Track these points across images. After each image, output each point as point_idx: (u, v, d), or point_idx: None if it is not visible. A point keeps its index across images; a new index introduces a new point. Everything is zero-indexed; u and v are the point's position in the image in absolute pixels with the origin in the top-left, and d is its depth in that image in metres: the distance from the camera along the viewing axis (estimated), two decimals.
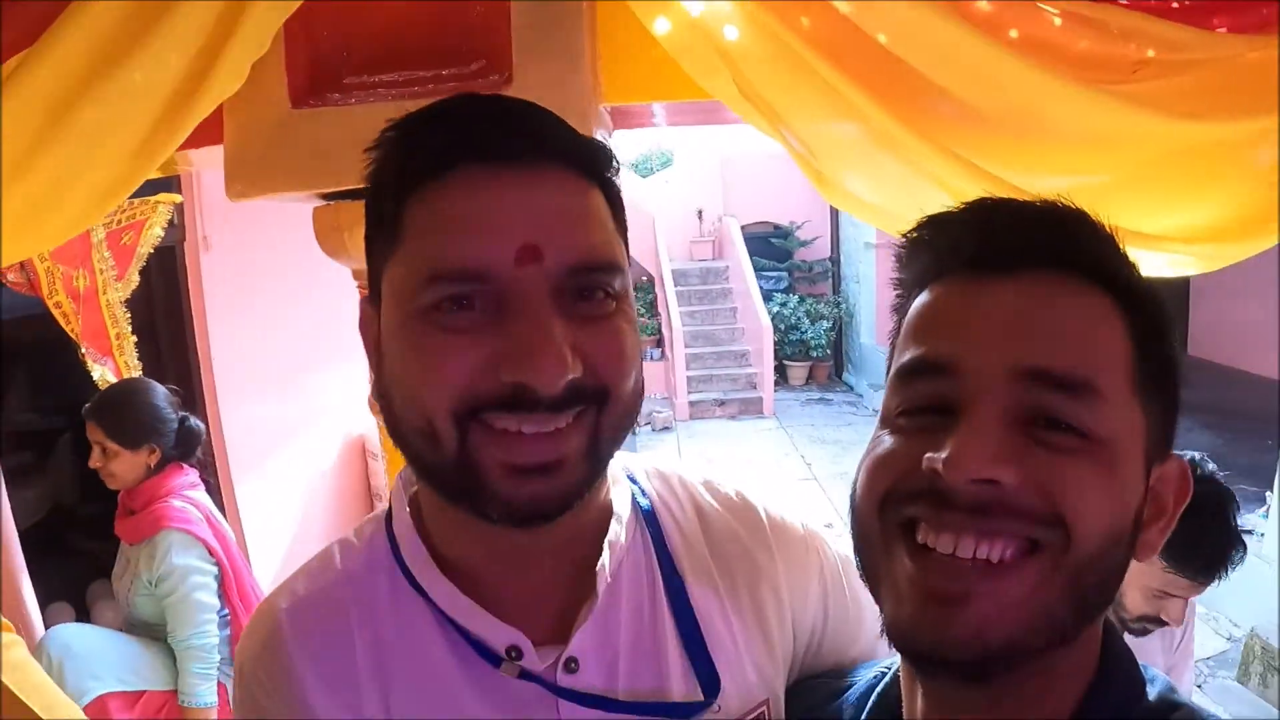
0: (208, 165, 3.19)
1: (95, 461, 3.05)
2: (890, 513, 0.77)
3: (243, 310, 4.55)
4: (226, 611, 3.12)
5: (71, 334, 3.31)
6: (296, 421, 5.23)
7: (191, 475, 3.21)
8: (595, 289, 0.84)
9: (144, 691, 2.99)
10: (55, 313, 3.25)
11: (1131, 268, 0.78)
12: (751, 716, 1.00)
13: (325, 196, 1.82)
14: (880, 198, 1.72)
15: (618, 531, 0.98)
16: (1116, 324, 0.75)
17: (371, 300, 0.93)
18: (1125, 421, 0.74)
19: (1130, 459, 0.74)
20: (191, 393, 4.31)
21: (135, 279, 3.51)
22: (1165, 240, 1.59)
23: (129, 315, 3.48)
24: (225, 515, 4.42)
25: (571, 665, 0.93)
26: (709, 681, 0.97)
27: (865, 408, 12.97)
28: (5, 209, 1.76)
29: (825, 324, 14.53)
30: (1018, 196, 1.25)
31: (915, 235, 0.83)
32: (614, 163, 0.92)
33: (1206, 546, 2.06)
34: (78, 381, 3.74)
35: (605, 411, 0.85)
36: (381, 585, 0.98)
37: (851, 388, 14.47)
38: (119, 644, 3.07)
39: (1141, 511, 0.77)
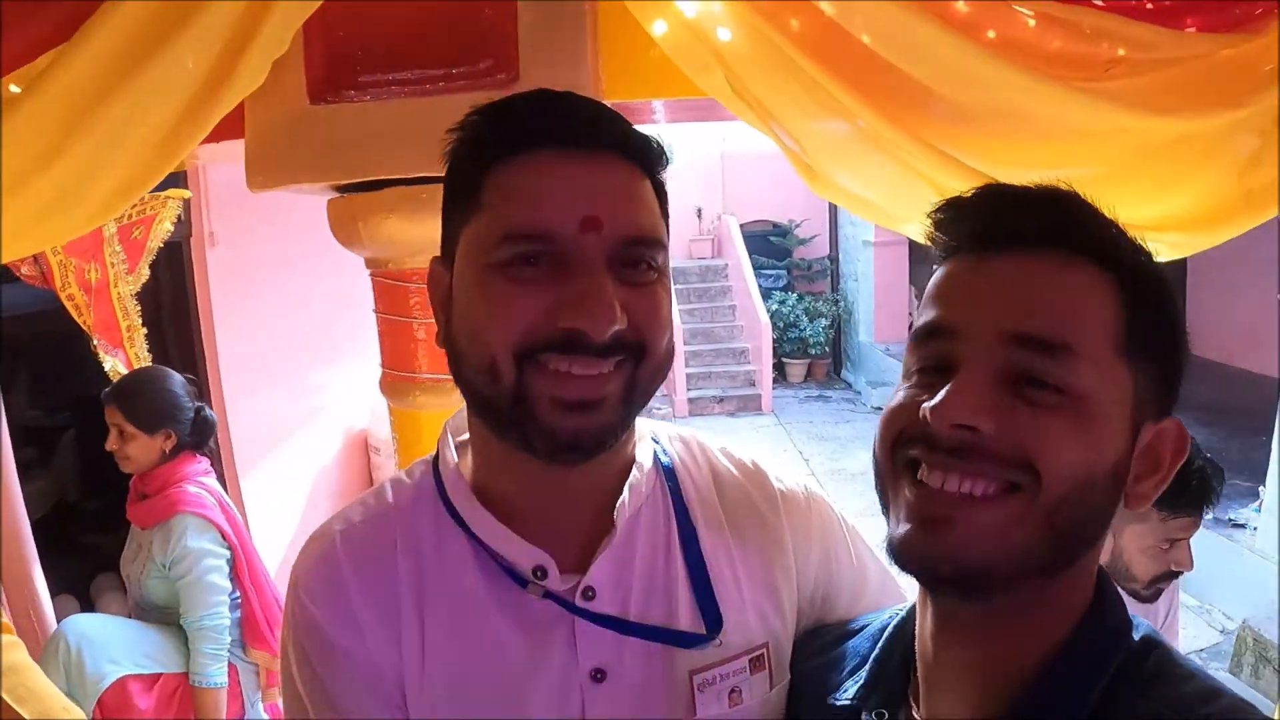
0: (214, 160, 3.27)
1: (112, 444, 3.13)
2: (899, 453, 0.90)
3: (248, 305, 4.63)
4: (237, 594, 3.21)
5: (84, 325, 3.39)
6: (300, 416, 5.32)
7: (204, 463, 3.30)
8: (641, 260, 0.99)
9: (160, 674, 3.08)
10: (68, 305, 3.32)
11: (1123, 242, 0.88)
12: (751, 656, 1.12)
13: (340, 188, 1.91)
14: (868, 191, 1.80)
15: (639, 478, 1.11)
16: (1103, 293, 0.85)
17: (443, 260, 1.07)
18: (1105, 380, 0.83)
19: (1110, 414, 0.84)
20: (197, 386, 4.38)
21: (145, 273, 3.58)
22: (1138, 229, 1.68)
23: (139, 308, 3.56)
24: None
25: (589, 593, 1.06)
26: (712, 619, 1.09)
27: (863, 405, 13.00)
28: (33, 201, 1.84)
29: (824, 322, 14.55)
30: None
31: (937, 217, 0.93)
32: (665, 161, 1.07)
33: (1192, 479, 2.28)
34: (81, 378, 3.82)
35: (641, 364, 0.99)
36: (425, 515, 1.11)
37: (850, 385, 14.50)
38: (134, 629, 3.16)
39: (1126, 462, 0.86)
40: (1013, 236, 0.87)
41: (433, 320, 1.89)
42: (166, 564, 3.08)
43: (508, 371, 0.95)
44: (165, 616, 3.18)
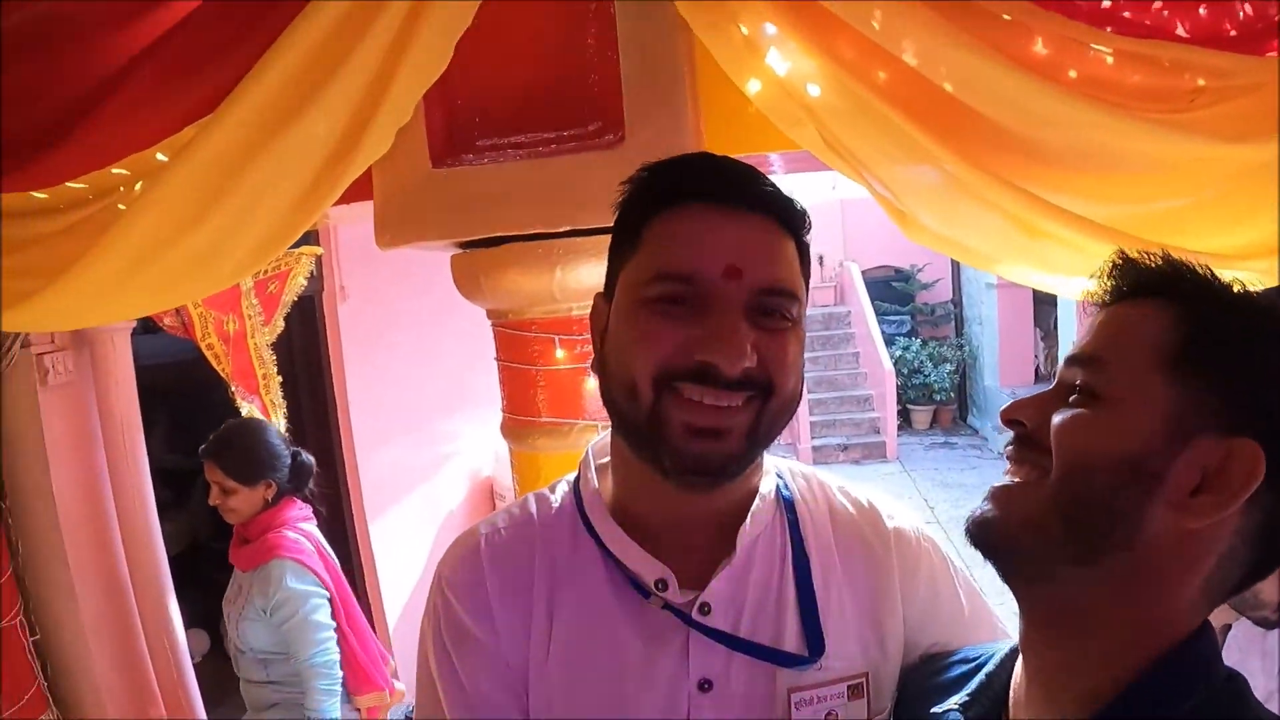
0: (345, 220, 3.46)
1: (215, 499, 3.24)
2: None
3: (377, 356, 4.81)
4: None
5: (222, 373, 3.57)
6: (428, 463, 5.47)
7: (305, 509, 3.39)
8: (776, 310, 1.12)
9: None
10: (207, 354, 3.51)
11: (1191, 283, 1.01)
12: (850, 683, 1.21)
13: (462, 245, 2.06)
14: (958, 234, 1.86)
15: (761, 508, 1.23)
16: (1154, 322, 0.98)
17: (605, 296, 1.22)
18: (1132, 386, 0.96)
19: (1131, 413, 0.95)
20: (328, 434, 4.59)
21: (280, 324, 3.76)
22: (1226, 259, 1.68)
23: (274, 358, 3.73)
24: (359, 551, 4.61)
25: (705, 608, 1.17)
26: (815, 643, 1.19)
27: (990, 451, 12.75)
28: (179, 259, 2.01)
29: (948, 367, 14.37)
30: (1084, 226, 1.60)
31: (1098, 278, 1.09)
32: (808, 225, 1.20)
33: None
34: (216, 424, 4.02)
35: (769, 402, 1.12)
36: (563, 526, 1.26)
37: (976, 431, 14.25)
38: None
39: (1152, 463, 0.94)
40: (1118, 293, 1.05)
41: (551, 368, 2.04)
42: (268, 609, 3.16)
43: (646, 394, 1.09)
44: (262, 660, 3.25)
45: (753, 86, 1.72)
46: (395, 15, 1.70)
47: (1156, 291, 1.00)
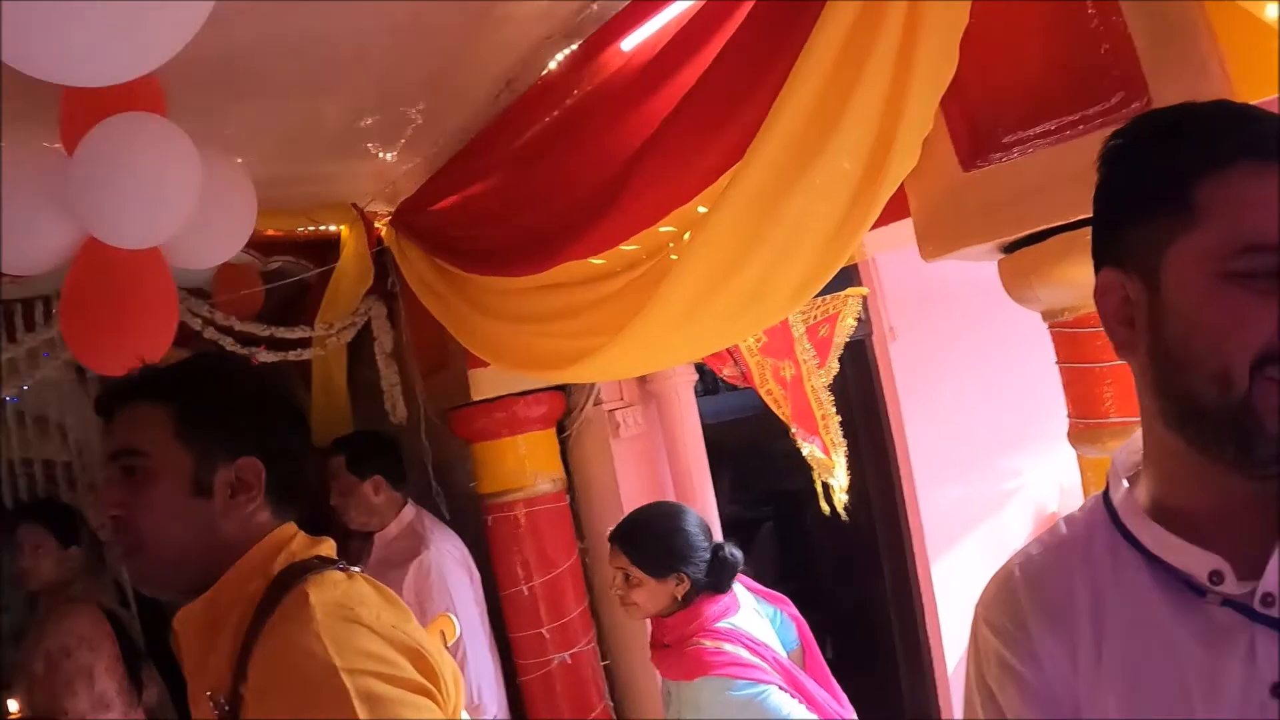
0: (880, 248, 3.63)
1: (618, 588, 2.95)
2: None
3: (932, 395, 4.88)
4: None
5: (782, 416, 3.76)
6: (990, 500, 5.42)
7: (723, 601, 2.93)
8: None
9: None
10: (766, 399, 3.74)
11: None
12: None
13: (1004, 249, 2.10)
14: None
15: None
16: None
17: (1120, 270, 1.15)
18: None
19: None
20: (887, 475, 4.77)
21: (835, 366, 3.92)
22: None
23: (831, 398, 3.89)
24: (920, 594, 4.77)
25: (1268, 600, 1.04)
26: None
27: None
28: (726, 301, 2.26)
29: None
30: None
31: None
32: None
33: None
34: (776, 474, 4.23)
35: None
36: (1099, 541, 1.22)
37: None
38: None
39: None
40: None
41: (1116, 363, 2.03)
42: None
43: (1242, 380, 1.00)
44: None
45: (1271, 11, 1.59)
46: (894, 31, 1.82)
47: None
